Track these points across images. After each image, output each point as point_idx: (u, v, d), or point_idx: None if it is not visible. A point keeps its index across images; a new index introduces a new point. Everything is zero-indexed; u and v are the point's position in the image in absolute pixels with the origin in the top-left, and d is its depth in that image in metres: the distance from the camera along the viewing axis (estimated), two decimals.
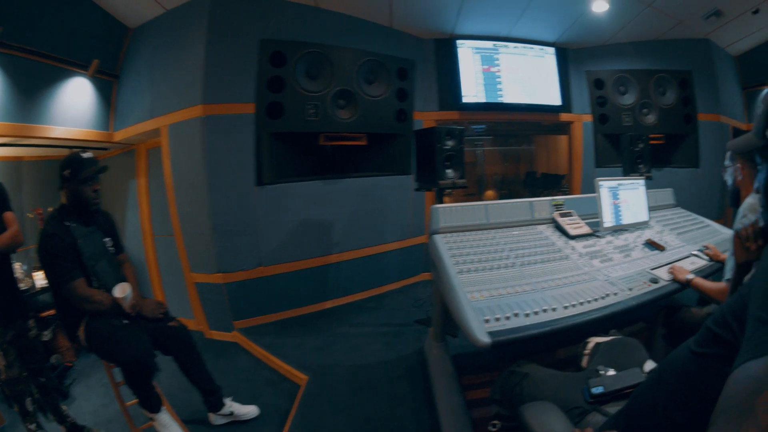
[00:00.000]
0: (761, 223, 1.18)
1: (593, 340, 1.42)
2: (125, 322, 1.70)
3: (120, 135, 3.18)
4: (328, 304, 3.28)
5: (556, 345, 2.48)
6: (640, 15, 3.84)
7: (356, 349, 2.53)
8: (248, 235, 2.91)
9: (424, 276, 3.84)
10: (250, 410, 1.97)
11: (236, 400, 1.96)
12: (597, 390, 1.12)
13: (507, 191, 6.89)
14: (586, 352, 1.40)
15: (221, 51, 2.74)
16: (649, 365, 1.21)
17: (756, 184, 0.91)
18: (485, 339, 1.17)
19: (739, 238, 1.26)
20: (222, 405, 1.91)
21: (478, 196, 6.43)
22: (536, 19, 3.71)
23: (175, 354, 1.83)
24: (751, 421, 0.47)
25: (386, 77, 3.34)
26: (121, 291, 1.68)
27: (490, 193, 6.55)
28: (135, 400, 1.70)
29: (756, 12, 3.89)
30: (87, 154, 1.76)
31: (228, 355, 2.67)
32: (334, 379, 2.20)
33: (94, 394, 2.29)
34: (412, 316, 2.99)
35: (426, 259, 3.73)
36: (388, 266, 3.63)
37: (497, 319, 1.24)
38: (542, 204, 2.08)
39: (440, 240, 1.76)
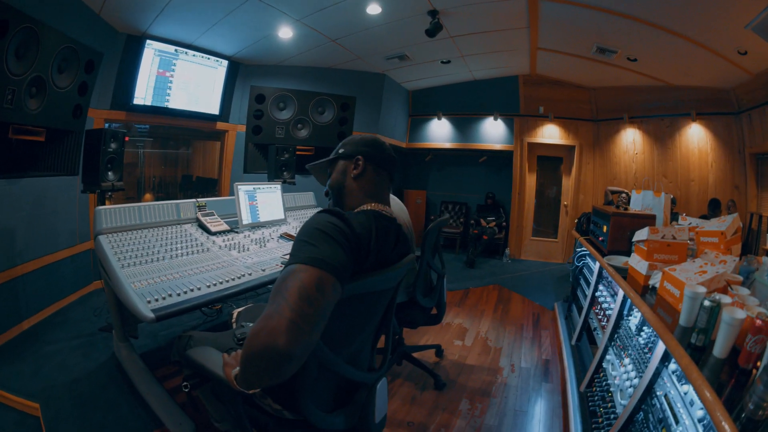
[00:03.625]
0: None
1: (236, 311, 1.86)
2: None
3: None
4: (26, 325, 2.88)
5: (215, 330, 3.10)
6: (320, 46, 4.34)
7: (62, 366, 2.48)
8: None
9: (97, 284, 3.77)
10: None
11: None
12: (243, 335, 1.47)
13: (164, 194, 6.86)
14: (233, 321, 1.81)
15: None
16: None
17: (328, 183, 1.30)
18: (150, 314, 1.49)
19: None
20: None
21: (138, 199, 6.19)
22: (223, 33, 3.96)
23: None
24: (280, 296, 0.82)
25: (75, 68, 3.04)
26: None
27: (148, 196, 6.47)
28: None
29: (447, 62, 5.00)
30: None
31: None
32: (60, 400, 2.15)
33: None
34: (95, 324, 3.05)
35: (95, 266, 3.71)
36: (66, 276, 3.39)
37: (156, 300, 1.59)
38: (187, 205, 2.49)
39: (104, 240, 1.98)
